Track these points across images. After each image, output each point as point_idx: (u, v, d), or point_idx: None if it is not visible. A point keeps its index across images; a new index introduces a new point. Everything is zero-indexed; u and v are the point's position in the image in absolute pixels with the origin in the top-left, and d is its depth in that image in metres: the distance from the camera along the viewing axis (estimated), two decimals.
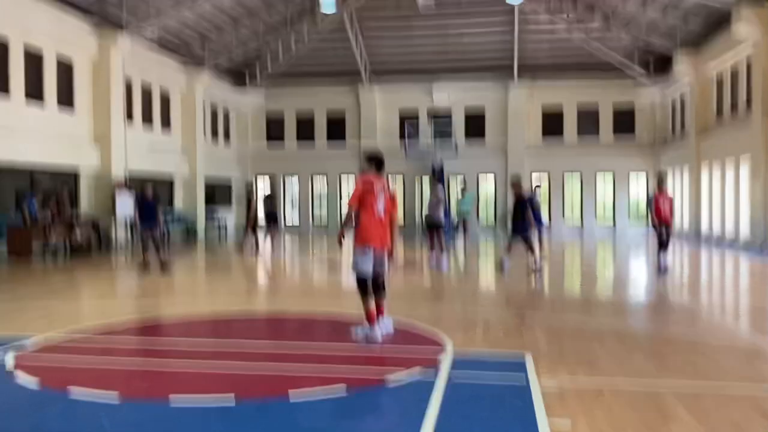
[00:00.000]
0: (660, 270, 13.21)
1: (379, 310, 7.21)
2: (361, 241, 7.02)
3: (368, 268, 6.99)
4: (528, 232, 13.32)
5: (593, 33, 27.40)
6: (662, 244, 13.31)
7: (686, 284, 12.29)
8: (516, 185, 13.74)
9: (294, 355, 6.72)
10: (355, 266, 7.06)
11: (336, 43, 30.00)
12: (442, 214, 15.38)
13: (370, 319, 7.02)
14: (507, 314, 8.59)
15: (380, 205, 7.05)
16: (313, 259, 18.49)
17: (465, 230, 21.77)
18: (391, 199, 7.25)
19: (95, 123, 21.11)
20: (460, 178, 30.79)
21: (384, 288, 7.26)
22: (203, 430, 4.47)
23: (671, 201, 13.53)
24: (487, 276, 13.38)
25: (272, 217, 18.31)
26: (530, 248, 13.24)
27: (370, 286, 7.04)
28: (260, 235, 18.07)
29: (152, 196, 13.78)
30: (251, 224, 17.56)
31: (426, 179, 30.33)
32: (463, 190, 23.12)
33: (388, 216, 7.15)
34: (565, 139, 29.97)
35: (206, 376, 5.94)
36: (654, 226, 13.41)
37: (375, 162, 7.22)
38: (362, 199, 7.00)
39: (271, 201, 18.80)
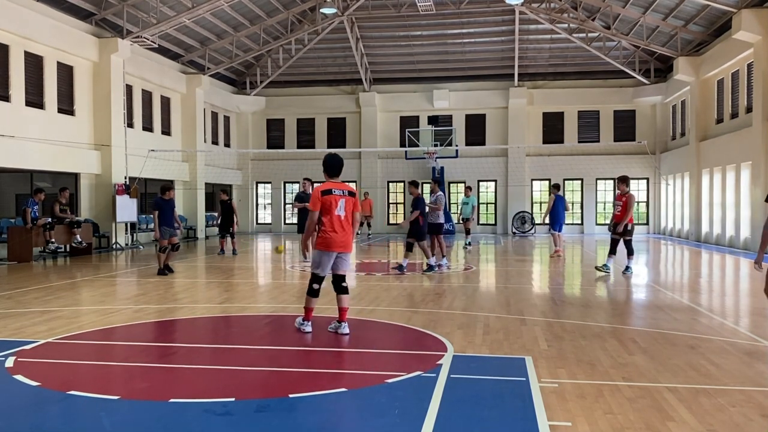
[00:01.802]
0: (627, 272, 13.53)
1: (341, 315, 7.56)
2: (324, 247, 7.38)
3: (326, 270, 7.45)
4: (423, 234, 14.19)
5: (594, 39, 27.47)
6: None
7: (687, 285, 12.28)
8: (412, 184, 14.45)
9: (294, 355, 6.73)
10: (315, 267, 7.47)
11: (337, 49, 30.12)
12: (442, 219, 15.52)
13: (307, 315, 7.59)
14: (507, 315, 8.58)
15: (340, 210, 7.38)
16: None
17: (467, 232, 21.95)
18: (354, 200, 7.54)
19: (95, 128, 21.16)
20: (461, 185, 30.96)
21: (346, 290, 7.58)
22: (203, 430, 4.46)
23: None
24: (487, 276, 13.38)
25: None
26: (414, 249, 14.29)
27: (317, 289, 7.49)
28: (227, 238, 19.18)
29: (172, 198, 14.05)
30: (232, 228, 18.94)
31: (426, 185, 30.35)
32: (468, 188, 23.18)
33: (348, 217, 7.46)
34: (566, 145, 29.96)
35: (206, 375, 5.95)
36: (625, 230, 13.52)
37: (329, 167, 7.56)
38: (323, 205, 7.36)
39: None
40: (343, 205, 7.42)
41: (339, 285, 7.56)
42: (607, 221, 30.80)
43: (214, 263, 16.48)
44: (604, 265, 13.77)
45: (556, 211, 17.97)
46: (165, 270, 13.64)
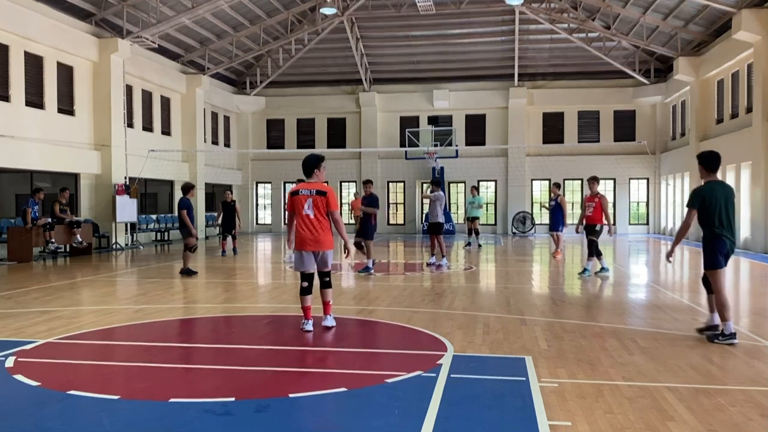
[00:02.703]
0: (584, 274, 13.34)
1: (325, 308, 7.81)
2: (298, 246, 7.69)
3: (307, 268, 7.68)
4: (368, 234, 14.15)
5: (594, 39, 27.48)
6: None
7: (687, 285, 12.27)
8: (367, 183, 14.69)
9: (294, 355, 6.73)
10: (297, 266, 7.80)
11: (337, 49, 30.12)
12: (441, 218, 15.57)
13: (305, 314, 7.73)
14: (507, 315, 8.58)
15: (308, 209, 7.58)
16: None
17: (476, 232, 21.73)
18: (326, 199, 7.64)
19: (95, 128, 21.16)
20: (461, 185, 30.96)
21: (329, 284, 7.79)
22: (203, 430, 4.46)
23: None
24: (487, 277, 13.38)
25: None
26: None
27: (307, 287, 7.66)
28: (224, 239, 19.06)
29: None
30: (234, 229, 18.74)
31: (426, 185, 30.38)
32: (475, 188, 23.12)
33: (323, 215, 7.61)
34: (566, 145, 29.94)
35: (206, 375, 5.95)
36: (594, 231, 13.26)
37: (302, 168, 7.87)
38: (292, 207, 7.75)
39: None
40: (311, 204, 7.60)
41: (322, 280, 7.79)
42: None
43: (214, 264, 16.48)
44: (602, 268, 13.45)
45: (556, 211, 17.68)
46: (189, 270, 13.51)
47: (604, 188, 30.74)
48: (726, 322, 7.00)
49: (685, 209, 7.40)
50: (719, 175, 8.24)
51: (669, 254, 7.47)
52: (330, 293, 7.86)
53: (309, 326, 7.67)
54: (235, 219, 18.77)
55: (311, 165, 7.88)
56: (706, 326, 7.39)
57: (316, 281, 7.76)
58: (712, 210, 7.05)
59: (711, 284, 7.21)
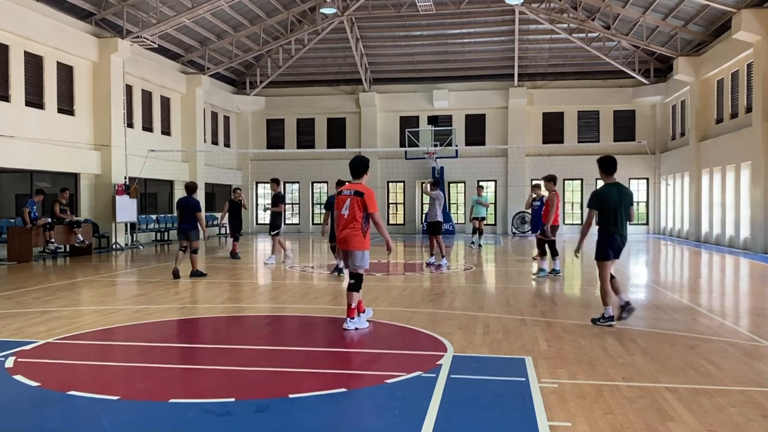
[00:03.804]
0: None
1: (348, 311, 7.73)
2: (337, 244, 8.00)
3: (341, 264, 8.35)
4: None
5: (594, 39, 27.48)
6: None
7: (686, 285, 12.27)
8: (274, 182, 15.84)
9: (294, 355, 6.73)
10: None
11: (337, 49, 30.13)
12: (440, 218, 15.56)
13: (358, 308, 7.89)
14: (507, 315, 8.58)
15: (344, 209, 7.68)
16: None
17: (480, 232, 21.59)
18: (362, 200, 7.61)
19: (95, 128, 21.15)
20: (461, 185, 30.96)
21: (354, 287, 7.69)
22: (203, 430, 4.46)
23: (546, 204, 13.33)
24: (487, 277, 13.38)
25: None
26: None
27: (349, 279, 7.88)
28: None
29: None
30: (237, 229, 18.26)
31: (426, 185, 30.36)
32: (479, 187, 23.07)
33: (355, 216, 7.62)
34: (566, 145, 29.93)
35: (206, 375, 5.95)
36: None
37: (349, 168, 7.90)
38: (334, 205, 8.02)
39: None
40: (348, 205, 7.65)
41: (349, 282, 7.84)
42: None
43: (215, 264, 16.48)
44: (553, 270, 13.21)
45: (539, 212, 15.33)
46: (200, 272, 13.26)
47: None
48: (606, 306, 7.96)
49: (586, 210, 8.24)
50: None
51: (576, 250, 8.33)
52: (354, 297, 7.70)
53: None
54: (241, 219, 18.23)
55: (362, 167, 7.84)
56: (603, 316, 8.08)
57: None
58: (606, 210, 8.00)
59: (599, 274, 8.11)
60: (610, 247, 7.98)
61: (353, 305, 7.70)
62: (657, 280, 13.40)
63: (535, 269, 13.75)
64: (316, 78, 32.33)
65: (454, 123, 31.19)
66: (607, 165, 8.28)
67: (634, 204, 8.43)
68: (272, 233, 16.39)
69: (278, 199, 16.04)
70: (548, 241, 13.23)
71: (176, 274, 13.06)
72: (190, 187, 13.49)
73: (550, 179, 13.37)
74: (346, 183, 8.21)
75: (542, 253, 13.42)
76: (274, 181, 16.35)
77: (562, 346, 6.88)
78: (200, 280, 12.80)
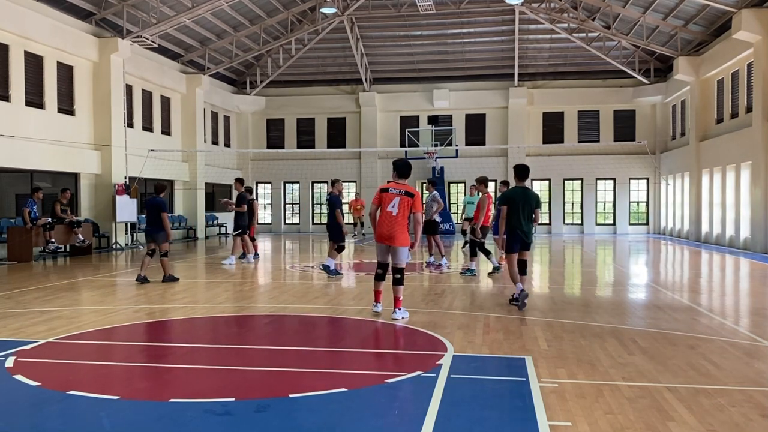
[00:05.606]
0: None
1: (395, 303, 8.41)
2: (376, 238, 8.52)
3: (380, 258, 8.55)
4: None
5: (594, 39, 27.48)
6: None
7: (686, 285, 12.27)
8: (238, 181, 16.06)
9: (294, 355, 6.73)
10: (377, 256, 8.66)
11: (337, 49, 30.13)
12: (437, 217, 15.60)
13: (375, 298, 8.69)
14: (507, 315, 8.58)
15: (392, 207, 8.27)
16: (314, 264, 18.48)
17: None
18: (413, 201, 8.32)
19: (95, 128, 21.15)
20: (461, 185, 30.95)
21: (399, 281, 8.41)
22: (203, 430, 4.46)
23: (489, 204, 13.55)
24: (487, 277, 13.36)
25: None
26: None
27: (380, 273, 8.55)
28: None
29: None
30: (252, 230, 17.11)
31: (425, 185, 30.36)
32: (472, 187, 22.88)
33: (404, 215, 8.29)
34: (566, 145, 29.96)
35: (206, 375, 5.95)
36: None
37: (395, 169, 8.53)
38: (379, 202, 8.45)
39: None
40: (397, 204, 8.28)
41: (394, 276, 8.47)
42: (608, 221, 31.06)
43: (215, 264, 16.46)
44: (469, 269, 13.44)
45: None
46: (172, 277, 12.52)
47: (604, 188, 30.81)
48: (516, 284, 9.25)
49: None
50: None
51: (495, 233, 9.29)
52: (400, 290, 8.43)
53: (378, 308, 8.60)
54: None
55: (409, 168, 8.62)
56: (513, 296, 9.44)
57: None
58: (512, 209, 9.26)
59: (526, 265, 9.53)
60: (515, 242, 9.33)
61: (400, 297, 8.42)
62: (657, 279, 13.39)
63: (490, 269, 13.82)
64: (316, 78, 32.33)
65: (454, 123, 31.19)
66: (521, 171, 9.52)
67: (540, 207, 9.63)
68: (234, 233, 16.37)
69: (242, 200, 15.92)
70: (477, 242, 13.45)
71: (143, 280, 12.16)
72: (158, 187, 12.92)
73: (482, 181, 13.85)
74: (390, 182, 8.65)
75: (473, 254, 13.74)
76: (238, 181, 16.70)
77: (562, 346, 6.88)
78: (194, 279, 12.80)
